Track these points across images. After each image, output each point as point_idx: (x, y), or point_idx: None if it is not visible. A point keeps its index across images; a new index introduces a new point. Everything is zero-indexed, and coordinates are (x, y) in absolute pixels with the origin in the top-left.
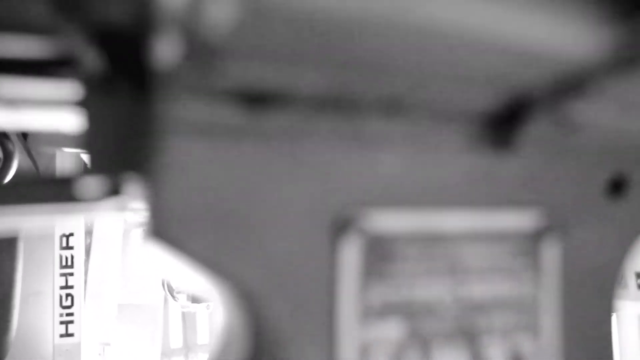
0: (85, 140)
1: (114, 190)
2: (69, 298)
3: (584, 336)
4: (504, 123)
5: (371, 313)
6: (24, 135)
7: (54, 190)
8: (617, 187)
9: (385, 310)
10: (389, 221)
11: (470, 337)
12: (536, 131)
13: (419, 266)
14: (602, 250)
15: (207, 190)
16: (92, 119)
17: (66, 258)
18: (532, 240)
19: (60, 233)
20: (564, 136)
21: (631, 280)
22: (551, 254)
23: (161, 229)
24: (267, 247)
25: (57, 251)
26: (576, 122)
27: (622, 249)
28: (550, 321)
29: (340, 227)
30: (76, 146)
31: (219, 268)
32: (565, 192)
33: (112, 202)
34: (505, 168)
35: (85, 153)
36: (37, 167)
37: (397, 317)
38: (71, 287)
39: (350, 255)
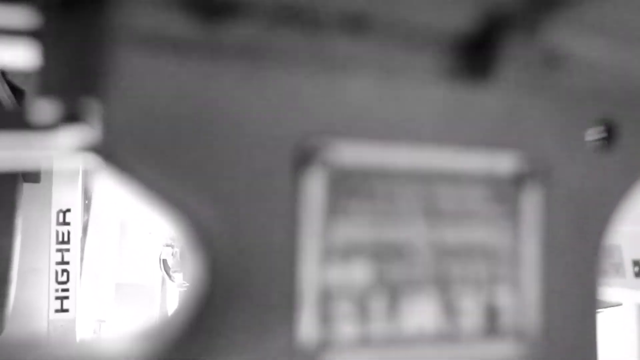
0: (40, 64)
1: (70, 117)
2: (65, 274)
3: (567, 293)
4: (480, 48)
5: (335, 254)
6: (13, 89)
7: (6, 117)
8: (605, 134)
9: (351, 251)
10: (356, 154)
11: (442, 285)
12: (516, 61)
13: (388, 205)
14: (589, 203)
15: (157, 110)
16: (46, 39)
17: (63, 234)
18: (512, 186)
19: (57, 209)
20: (547, 71)
21: (629, 268)
22: (532, 202)
23: (111, 152)
24: (221, 178)
25: (54, 227)
26: (559, 54)
27: (610, 203)
28: (529, 274)
29: (303, 158)
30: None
31: (170, 198)
32: (548, 136)
33: (69, 131)
34: (483, 102)
35: (40, 77)
36: None
37: (363, 260)
38: (67, 262)
39: (313, 190)
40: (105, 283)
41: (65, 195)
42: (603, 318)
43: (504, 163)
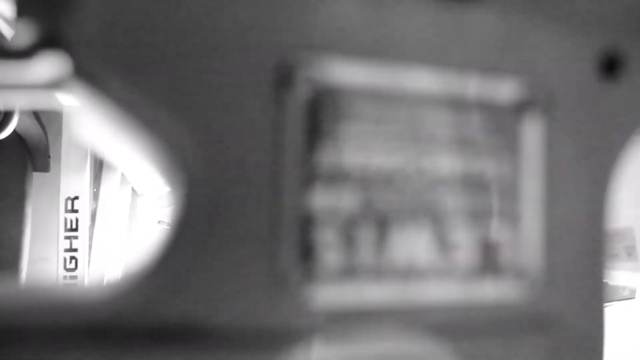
0: None
1: (46, 42)
2: (73, 261)
3: (571, 231)
4: None
5: (320, 179)
6: None
7: None
8: (610, 64)
9: (336, 177)
10: (344, 71)
11: (435, 217)
12: None
13: (377, 128)
14: (595, 135)
15: (129, 23)
16: None
17: (71, 221)
18: (511, 114)
19: (66, 196)
20: None
21: None
22: (532, 132)
23: (81, 65)
24: (195, 95)
25: (62, 214)
26: None
27: (618, 137)
28: (530, 209)
29: (285, 75)
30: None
31: (143, 117)
32: (550, 64)
33: (45, 57)
34: (479, 22)
35: (14, 3)
36: None
37: (349, 185)
38: (75, 250)
39: (296, 109)
40: (113, 271)
41: (73, 182)
42: (615, 311)
43: (503, 89)
